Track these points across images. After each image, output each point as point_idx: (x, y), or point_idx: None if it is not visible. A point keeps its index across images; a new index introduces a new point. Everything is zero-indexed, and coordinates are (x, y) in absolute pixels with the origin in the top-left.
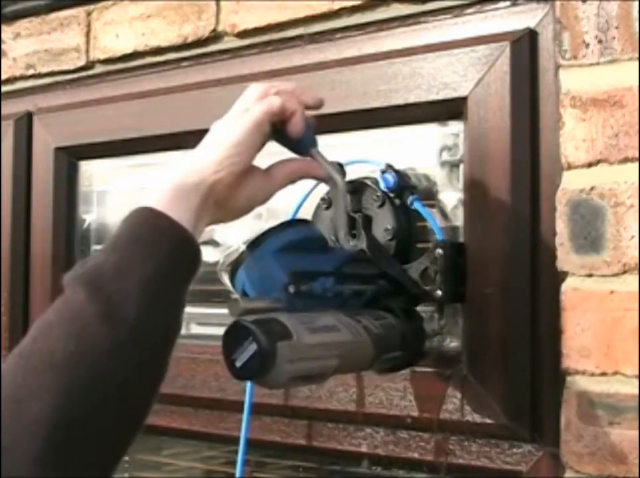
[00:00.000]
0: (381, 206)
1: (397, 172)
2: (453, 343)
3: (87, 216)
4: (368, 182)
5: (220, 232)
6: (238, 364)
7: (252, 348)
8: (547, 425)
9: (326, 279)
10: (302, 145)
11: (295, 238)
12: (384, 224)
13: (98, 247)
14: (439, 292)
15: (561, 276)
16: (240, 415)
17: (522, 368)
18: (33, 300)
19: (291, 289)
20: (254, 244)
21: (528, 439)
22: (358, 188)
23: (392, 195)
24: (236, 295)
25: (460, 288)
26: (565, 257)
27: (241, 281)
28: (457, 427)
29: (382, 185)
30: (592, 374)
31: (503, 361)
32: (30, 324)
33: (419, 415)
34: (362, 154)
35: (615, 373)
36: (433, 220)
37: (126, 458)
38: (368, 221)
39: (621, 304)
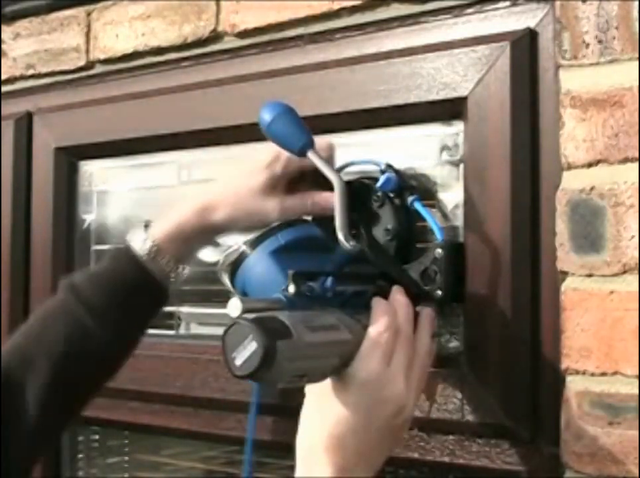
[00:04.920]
0: (381, 206)
1: (397, 172)
2: (453, 343)
3: (87, 216)
4: (368, 182)
5: None
6: (238, 362)
7: (252, 346)
8: (547, 425)
9: (326, 279)
10: (299, 146)
11: (294, 237)
12: (384, 224)
13: (98, 247)
14: (439, 292)
15: (561, 276)
16: (239, 415)
17: (522, 368)
18: (33, 300)
19: (291, 289)
20: (254, 244)
21: (528, 439)
22: (358, 188)
23: (392, 195)
24: (235, 295)
25: (460, 288)
26: (565, 257)
27: (241, 281)
28: (457, 427)
29: (382, 185)
30: (592, 374)
31: (503, 361)
32: None
33: (419, 416)
34: (362, 154)
35: (615, 373)
36: (433, 220)
37: (126, 458)
38: (368, 221)
39: (621, 304)
